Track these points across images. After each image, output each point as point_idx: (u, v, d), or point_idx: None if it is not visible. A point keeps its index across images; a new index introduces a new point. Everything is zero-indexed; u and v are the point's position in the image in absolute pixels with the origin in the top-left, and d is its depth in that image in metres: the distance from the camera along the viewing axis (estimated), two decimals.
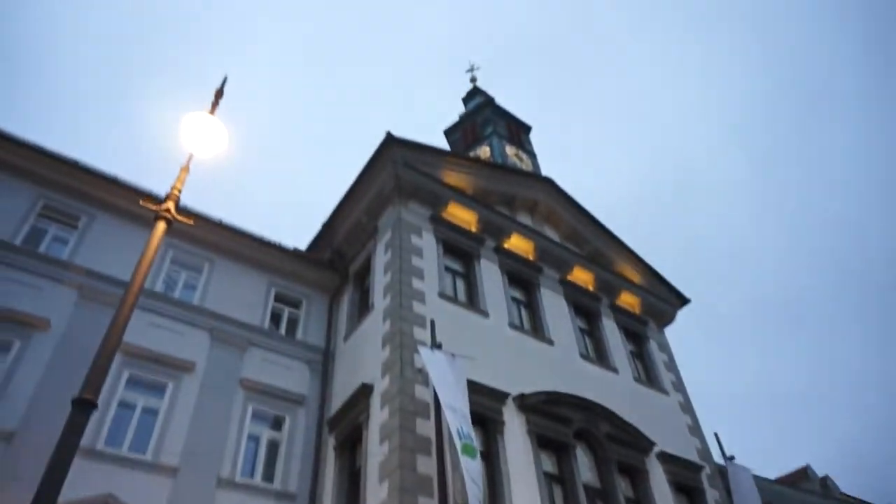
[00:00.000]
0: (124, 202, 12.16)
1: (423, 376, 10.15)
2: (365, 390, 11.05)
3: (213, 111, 6.45)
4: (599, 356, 14.89)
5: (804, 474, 27.38)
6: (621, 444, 12.47)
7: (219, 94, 6.74)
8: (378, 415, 10.39)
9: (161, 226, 5.57)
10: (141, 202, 6.28)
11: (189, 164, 6.13)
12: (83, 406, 4.25)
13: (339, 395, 12.26)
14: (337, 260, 14.99)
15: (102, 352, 4.48)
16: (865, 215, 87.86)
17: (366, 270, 13.97)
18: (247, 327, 12.74)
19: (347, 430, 11.34)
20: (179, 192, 5.95)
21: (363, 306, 13.37)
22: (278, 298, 13.96)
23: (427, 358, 9.61)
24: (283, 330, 13.56)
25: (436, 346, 10.01)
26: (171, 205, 5.74)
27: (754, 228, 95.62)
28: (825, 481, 26.63)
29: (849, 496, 26.70)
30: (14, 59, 75.77)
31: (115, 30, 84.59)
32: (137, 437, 10.26)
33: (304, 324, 13.87)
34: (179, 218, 5.84)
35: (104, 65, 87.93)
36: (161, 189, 10.40)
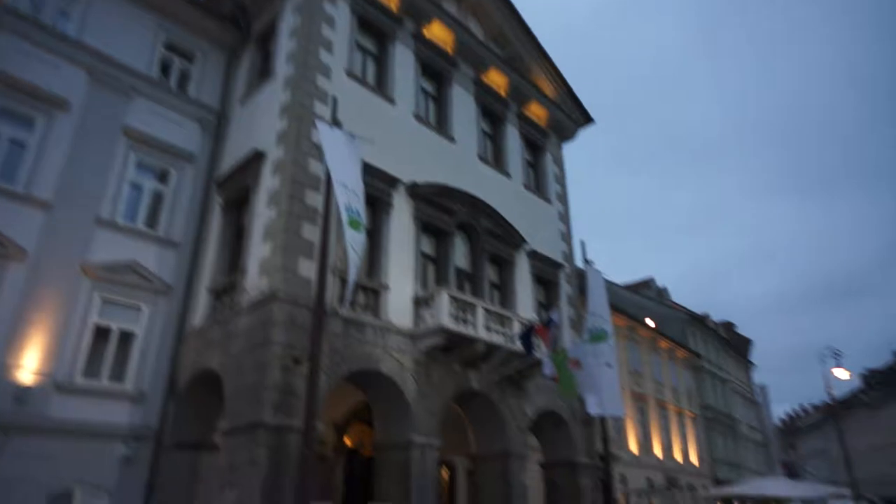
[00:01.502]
0: None
1: (318, 150, 10.17)
2: (258, 156, 11.00)
3: None
4: (496, 159, 15.48)
5: (648, 284, 32.05)
6: (496, 238, 13.72)
7: None
8: (269, 181, 10.52)
9: None
10: None
11: None
12: None
13: (231, 157, 12.15)
14: (239, 14, 13.66)
15: None
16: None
17: (270, 32, 12.94)
18: (131, 72, 11.81)
19: (236, 192, 11.48)
20: None
21: (264, 71, 12.64)
22: (169, 47, 12.81)
23: (324, 133, 9.50)
24: (173, 83, 12.68)
25: (336, 123, 9.89)
26: None
27: (688, 67, 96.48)
28: (662, 292, 31.44)
29: (675, 303, 31.96)
30: None
31: None
32: (7, 168, 9.92)
33: (197, 80, 13.01)
34: None
35: None
36: None
